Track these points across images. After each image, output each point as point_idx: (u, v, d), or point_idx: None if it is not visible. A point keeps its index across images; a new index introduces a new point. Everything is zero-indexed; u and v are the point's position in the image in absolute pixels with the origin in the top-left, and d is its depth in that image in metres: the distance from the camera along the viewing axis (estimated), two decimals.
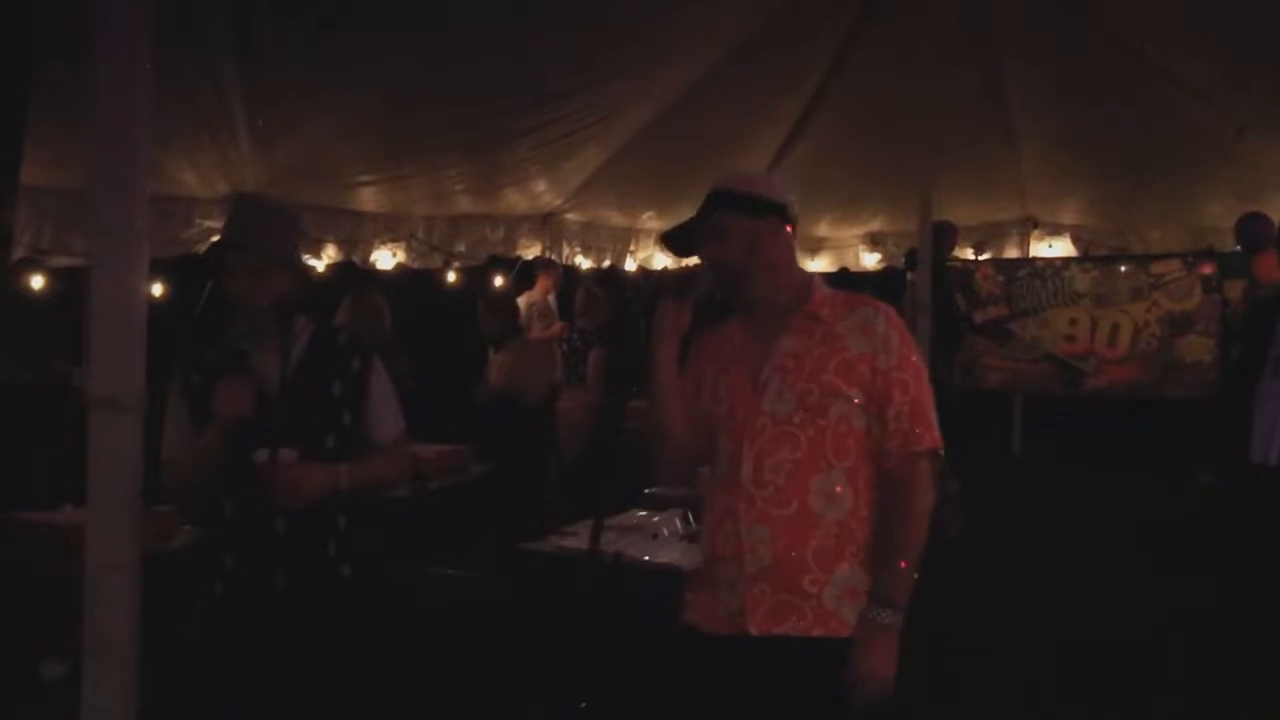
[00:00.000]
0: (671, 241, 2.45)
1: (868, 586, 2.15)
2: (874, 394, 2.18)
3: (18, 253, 3.82)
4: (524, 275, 7.20)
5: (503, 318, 5.86)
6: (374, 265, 5.73)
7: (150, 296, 2.36)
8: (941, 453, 2.23)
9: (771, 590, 2.15)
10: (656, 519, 4.01)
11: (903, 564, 2.16)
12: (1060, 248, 8.52)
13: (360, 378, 2.57)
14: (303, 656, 2.41)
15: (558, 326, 7.18)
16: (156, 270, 4.01)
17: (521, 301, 7.06)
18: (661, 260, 8.01)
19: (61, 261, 4.20)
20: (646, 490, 4.32)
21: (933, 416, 2.22)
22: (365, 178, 5.31)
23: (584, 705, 2.57)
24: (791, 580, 2.14)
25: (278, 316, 2.46)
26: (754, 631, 2.14)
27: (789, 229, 2.35)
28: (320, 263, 5.39)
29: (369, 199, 5.49)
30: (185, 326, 3.59)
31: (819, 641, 2.13)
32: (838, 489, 2.17)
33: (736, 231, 2.28)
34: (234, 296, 2.44)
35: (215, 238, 4.74)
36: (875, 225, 9.00)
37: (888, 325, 2.22)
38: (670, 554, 3.63)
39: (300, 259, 2.66)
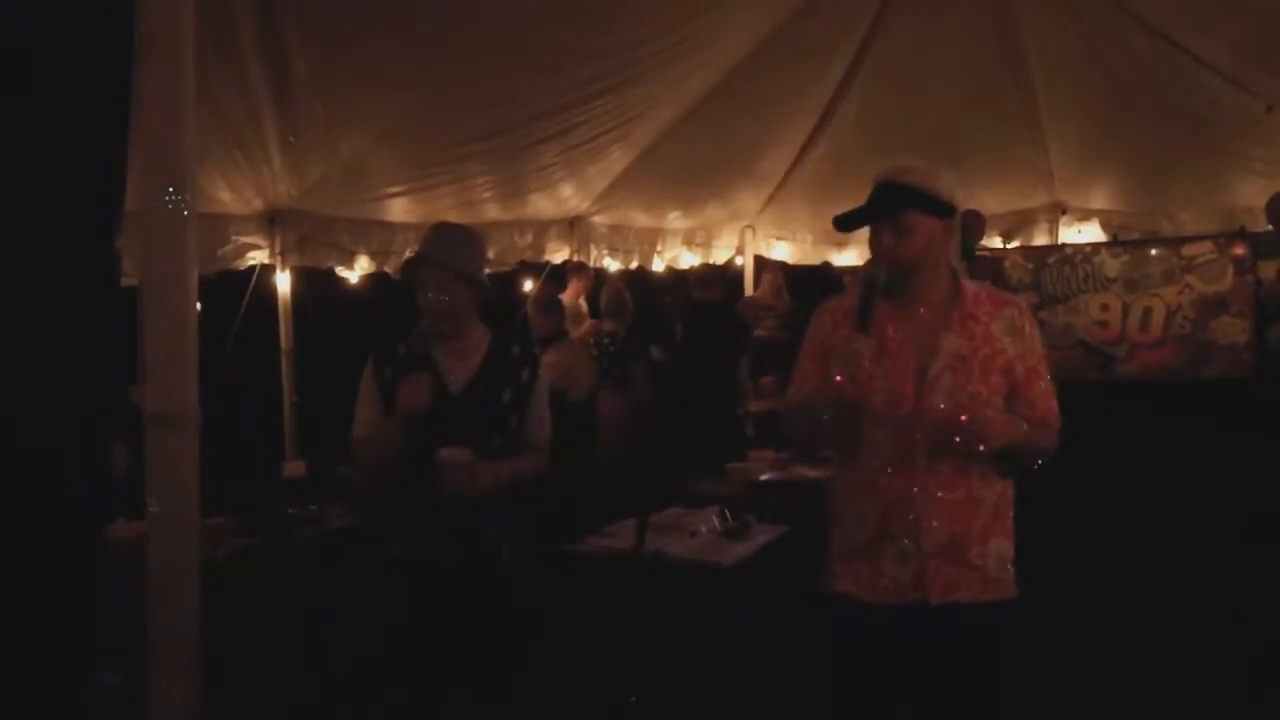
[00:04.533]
0: (842, 223, 2.53)
1: (1012, 555, 2.51)
2: (1019, 386, 2.46)
3: None
4: (554, 279, 7.25)
5: (553, 318, 6.06)
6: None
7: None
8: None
9: (947, 564, 2.42)
10: (694, 517, 4.05)
11: (1047, 443, 2.51)
12: (1090, 233, 8.44)
13: (527, 387, 2.96)
14: (461, 631, 2.76)
15: (587, 325, 7.24)
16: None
17: None
18: (689, 259, 8.04)
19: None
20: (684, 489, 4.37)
21: (1053, 397, 2.51)
22: (395, 189, 5.37)
23: (634, 699, 2.67)
24: (962, 555, 2.42)
25: (460, 325, 2.87)
26: (935, 601, 2.41)
27: (955, 227, 2.49)
28: (354, 274, 5.46)
29: (399, 210, 5.56)
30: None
31: (987, 605, 2.43)
32: (991, 473, 2.46)
33: (920, 230, 2.40)
34: (423, 306, 2.83)
35: (254, 254, 4.84)
36: None
37: (1028, 323, 2.50)
38: (708, 551, 3.68)
39: (484, 276, 2.96)
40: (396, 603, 2.82)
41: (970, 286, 2.48)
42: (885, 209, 2.41)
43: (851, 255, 8.83)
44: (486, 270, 3.07)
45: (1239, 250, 7.17)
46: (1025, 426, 2.43)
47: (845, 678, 2.54)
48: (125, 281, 2.35)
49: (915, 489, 2.41)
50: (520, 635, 2.92)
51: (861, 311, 2.35)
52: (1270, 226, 6.89)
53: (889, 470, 2.43)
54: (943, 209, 2.40)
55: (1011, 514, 2.54)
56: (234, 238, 4.76)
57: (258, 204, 4.83)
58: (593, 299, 7.65)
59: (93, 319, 2.07)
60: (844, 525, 2.54)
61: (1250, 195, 7.47)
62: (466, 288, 2.84)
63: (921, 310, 2.44)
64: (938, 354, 2.40)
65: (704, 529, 3.90)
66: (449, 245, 2.89)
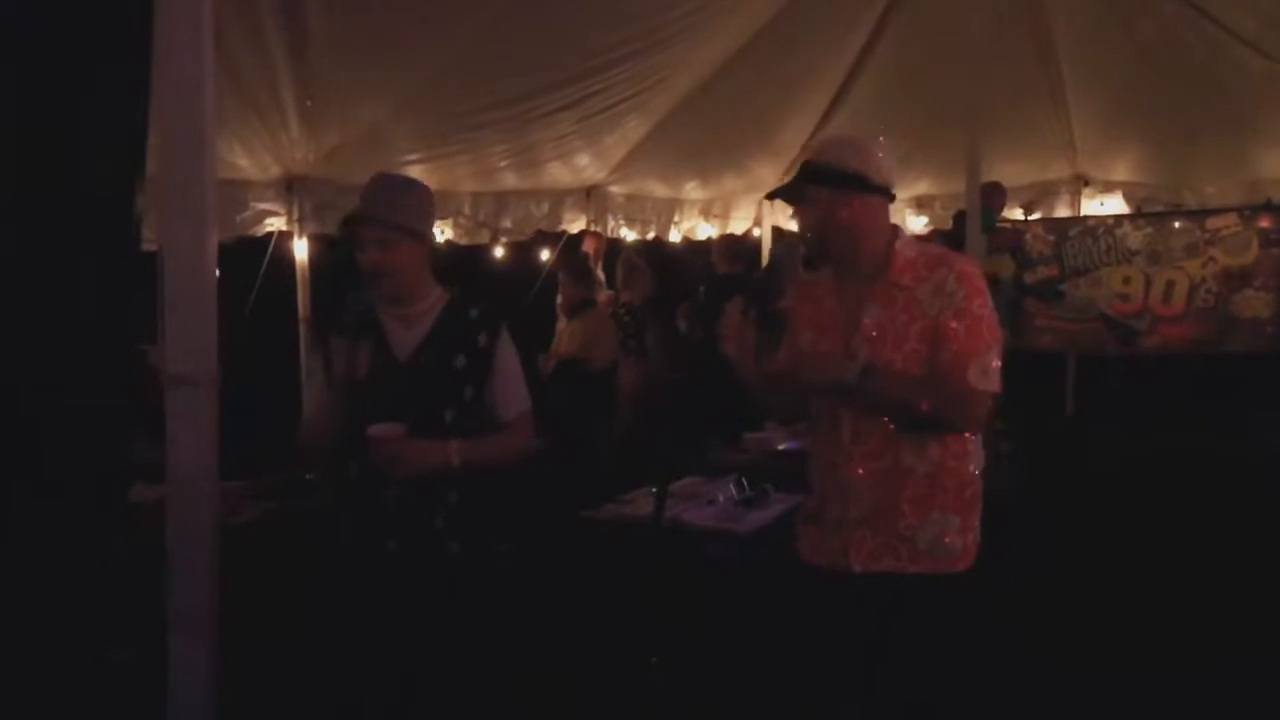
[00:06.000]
0: (771, 196, 2.67)
1: (958, 528, 2.42)
2: (934, 345, 2.37)
3: None
4: (569, 249, 7.23)
5: (584, 286, 6.08)
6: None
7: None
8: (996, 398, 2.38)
9: (872, 534, 2.42)
10: (710, 485, 4.06)
11: (921, 399, 2.34)
12: (1112, 205, 8.35)
13: (486, 353, 2.62)
14: (410, 620, 2.54)
15: (605, 296, 7.23)
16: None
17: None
18: (706, 230, 8.00)
19: None
20: (701, 457, 4.37)
21: (984, 363, 2.36)
22: (412, 156, 5.35)
23: (655, 660, 2.69)
24: (889, 525, 2.41)
25: (408, 287, 2.59)
26: (857, 569, 2.43)
27: (872, 197, 2.46)
28: None
29: (417, 177, 5.53)
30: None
31: (916, 577, 2.40)
32: (926, 444, 2.40)
33: (815, 201, 2.47)
34: (364, 266, 2.55)
35: (271, 220, 4.84)
36: (922, 188, 8.88)
37: (957, 282, 2.38)
38: (726, 519, 3.68)
39: (430, 231, 2.68)
40: (353, 576, 2.58)
41: (908, 253, 2.46)
42: (792, 182, 2.52)
43: None
44: (434, 224, 2.77)
45: (1264, 223, 7.09)
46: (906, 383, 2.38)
47: (799, 637, 2.61)
48: (145, 246, 2.34)
49: (842, 458, 2.46)
50: (468, 640, 2.62)
51: (764, 286, 2.45)
52: None
53: (825, 439, 2.51)
54: (836, 177, 2.44)
55: (968, 489, 2.46)
56: (252, 204, 4.76)
57: (275, 170, 4.83)
58: (607, 270, 7.63)
59: (116, 280, 2.07)
60: (808, 491, 2.63)
61: (1276, 167, 7.38)
62: (411, 244, 2.56)
63: (850, 283, 2.50)
64: (858, 326, 2.44)
65: (721, 497, 3.90)
66: (389, 198, 2.59)
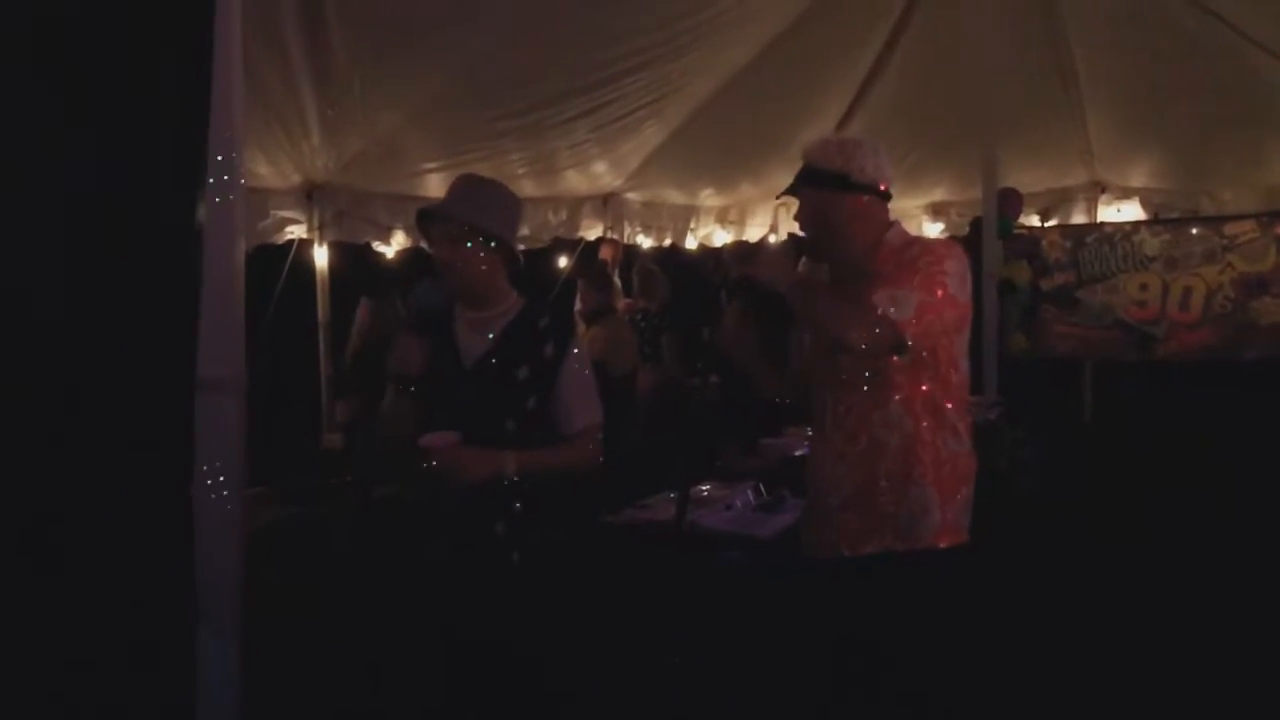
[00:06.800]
0: (784, 197, 2.71)
1: (936, 503, 2.42)
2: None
3: None
4: (588, 256, 7.27)
5: (604, 293, 6.10)
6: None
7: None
8: (902, 332, 2.31)
9: (858, 517, 2.47)
10: (728, 490, 4.07)
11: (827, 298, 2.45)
12: (1129, 212, 8.34)
13: (552, 364, 2.54)
14: (459, 628, 2.55)
15: (624, 304, 7.26)
16: None
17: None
18: (722, 237, 8.03)
19: None
20: (719, 463, 4.38)
21: (898, 296, 2.31)
22: (431, 164, 5.40)
23: (677, 660, 2.71)
24: (871, 505, 2.45)
25: (481, 292, 2.55)
26: (846, 553, 2.47)
27: (857, 196, 2.48)
28: (390, 249, 5.50)
29: (436, 185, 5.59)
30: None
31: (901, 555, 2.42)
32: (900, 417, 2.43)
33: (810, 202, 2.56)
34: (439, 265, 2.52)
35: (291, 227, 4.89)
36: (938, 195, 8.90)
37: (919, 249, 2.43)
38: (746, 524, 3.69)
39: (508, 236, 2.58)
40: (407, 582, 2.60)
41: (894, 244, 2.50)
42: (791, 185, 2.59)
43: None
44: (518, 232, 2.70)
45: None
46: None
47: (798, 630, 2.69)
48: None
49: (826, 447, 2.55)
50: (525, 661, 2.55)
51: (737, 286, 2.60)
52: None
53: (815, 433, 2.62)
54: (821, 178, 2.51)
55: (946, 465, 2.44)
56: (273, 212, 4.82)
57: (296, 178, 4.88)
58: (626, 275, 7.66)
59: (180, 292, 2.11)
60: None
61: None
62: (486, 248, 2.50)
63: (844, 279, 2.56)
64: None
65: (739, 503, 3.91)
66: (466, 198, 2.54)
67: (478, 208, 2.52)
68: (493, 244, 2.52)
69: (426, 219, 2.57)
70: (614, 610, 3.29)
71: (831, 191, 2.51)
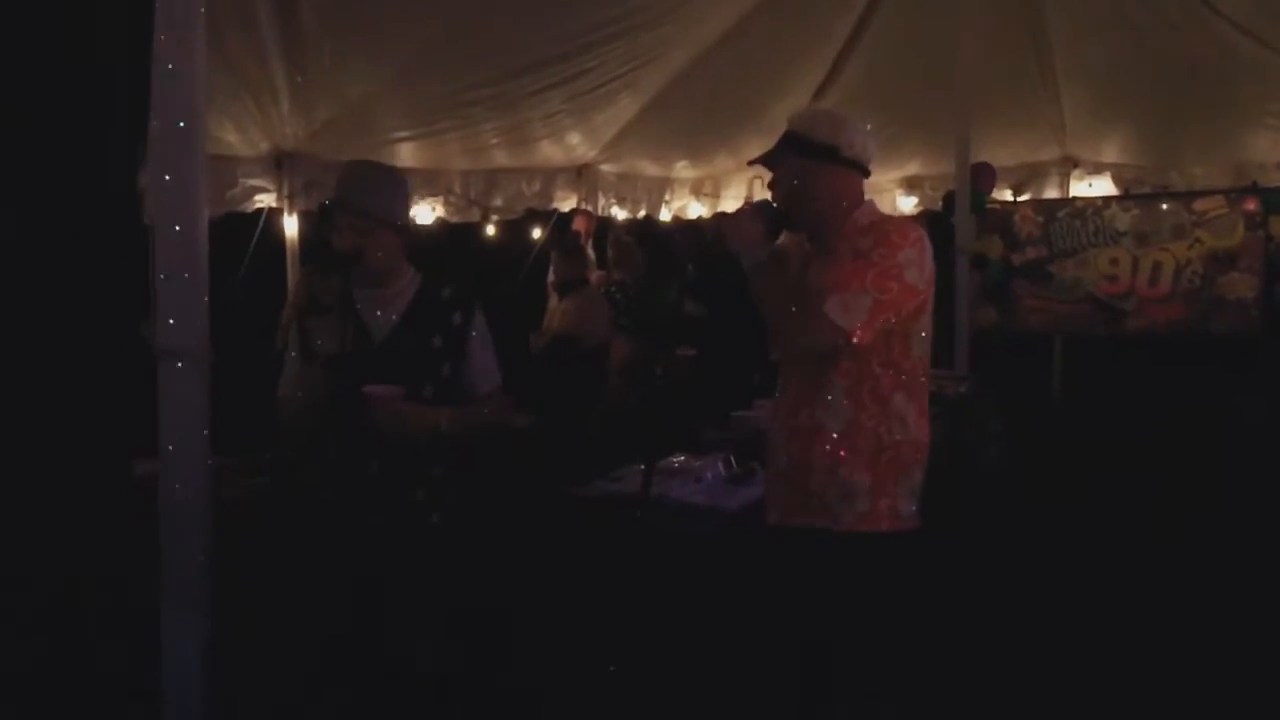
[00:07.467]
0: (759, 163, 2.69)
1: (867, 489, 2.44)
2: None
3: None
4: (560, 227, 7.24)
5: (577, 264, 6.09)
6: (413, 220, 5.78)
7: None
8: (850, 339, 2.35)
9: (786, 488, 2.55)
10: (699, 463, 4.08)
11: (789, 305, 2.41)
12: (1101, 187, 8.40)
13: (460, 331, 2.72)
14: (388, 591, 2.62)
15: (596, 275, 7.24)
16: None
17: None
18: (697, 209, 8.01)
19: None
20: (690, 435, 4.40)
21: (849, 300, 2.33)
22: (403, 134, 5.34)
23: (612, 669, 2.77)
24: (801, 480, 2.49)
25: (383, 272, 2.68)
26: (772, 521, 2.58)
27: (842, 169, 2.47)
28: None
29: (407, 155, 5.54)
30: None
31: (823, 532, 2.46)
32: (841, 402, 2.44)
33: (788, 169, 2.57)
34: (342, 251, 2.63)
35: (260, 196, 4.83)
36: (912, 169, 8.91)
37: (876, 234, 2.43)
38: (714, 496, 3.71)
39: (407, 217, 2.79)
40: (334, 549, 2.64)
41: (861, 221, 2.52)
42: (771, 151, 2.61)
43: None
44: (410, 210, 2.87)
45: (1250, 206, 7.10)
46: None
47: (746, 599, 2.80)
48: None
49: (775, 414, 2.64)
50: (446, 612, 2.71)
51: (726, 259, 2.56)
52: None
53: (773, 404, 2.69)
54: (809, 149, 2.52)
55: (886, 452, 2.45)
56: (241, 180, 4.75)
57: (264, 146, 4.81)
58: (599, 247, 7.64)
59: (119, 255, 2.09)
60: None
61: (1263, 150, 7.42)
62: (387, 230, 2.66)
63: (815, 249, 2.61)
64: None
65: (710, 475, 3.93)
66: (366, 188, 2.68)
67: (380, 195, 2.67)
68: (394, 227, 2.68)
69: (330, 210, 2.69)
70: (575, 583, 3.31)
71: (819, 163, 2.52)
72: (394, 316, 2.68)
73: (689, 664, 3.14)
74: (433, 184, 5.84)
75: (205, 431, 2.30)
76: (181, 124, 2.17)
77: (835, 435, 2.44)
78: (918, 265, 2.40)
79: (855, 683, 2.50)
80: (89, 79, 2.04)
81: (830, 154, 2.51)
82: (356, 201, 2.63)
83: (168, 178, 2.21)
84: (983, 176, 7.26)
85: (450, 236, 6.47)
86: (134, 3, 2.04)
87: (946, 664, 3.47)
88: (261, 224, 5.00)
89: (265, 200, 4.90)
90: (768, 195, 2.67)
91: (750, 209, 2.62)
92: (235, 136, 4.59)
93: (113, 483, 2.12)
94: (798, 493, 2.51)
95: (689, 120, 6.78)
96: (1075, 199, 8.05)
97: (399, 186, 2.78)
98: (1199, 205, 7.28)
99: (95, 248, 2.06)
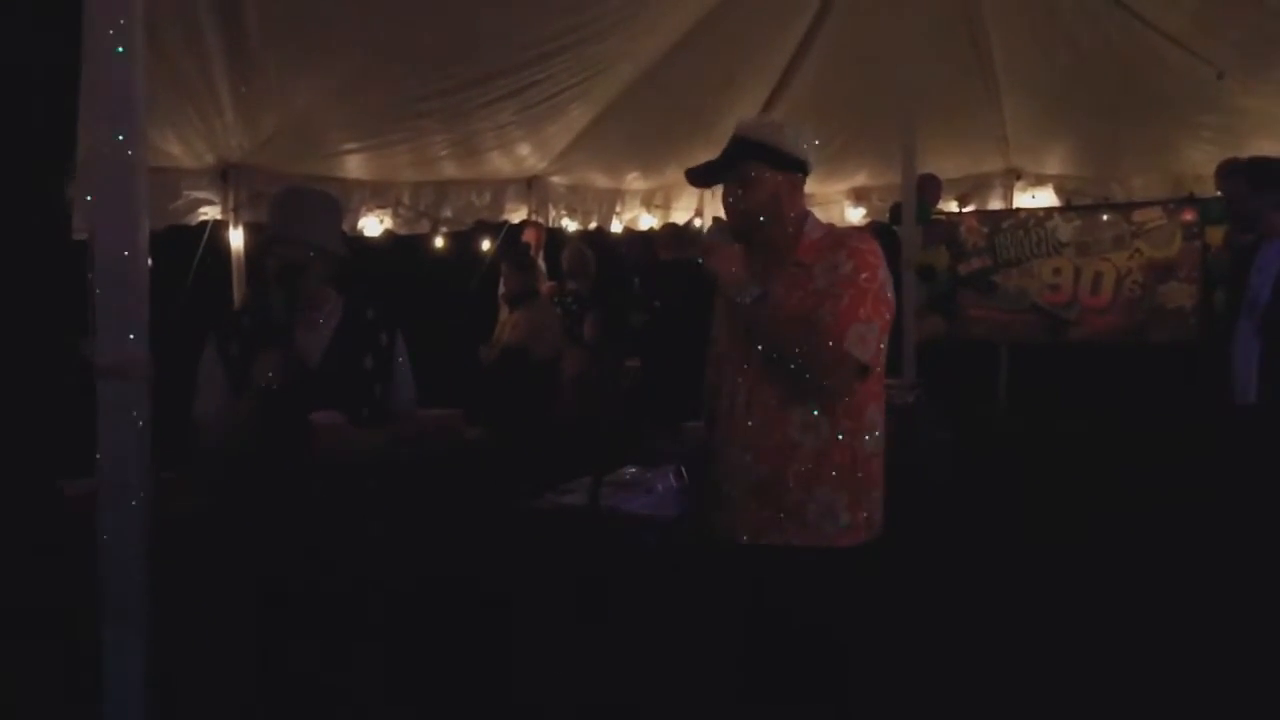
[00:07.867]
0: (694, 176, 2.61)
1: (846, 504, 2.42)
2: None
3: None
4: (511, 239, 7.21)
5: (527, 276, 6.06)
6: (361, 232, 5.73)
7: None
8: (872, 369, 2.39)
9: (758, 507, 2.46)
10: (650, 474, 4.08)
11: (797, 344, 2.35)
12: (1044, 198, 8.57)
13: (388, 352, 2.79)
14: (337, 606, 2.63)
15: (548, 286, 7.22)
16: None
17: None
18: (648, 220, 8.03)
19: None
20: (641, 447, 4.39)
21: (862, 332, 2.33)
22: (350, 145, 5.30)
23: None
24: (775, 499, 2.43)
25: (314, 295, 2.70)
26: (744, 541, 2.48)
27: (801, 180, 2.54)
28: None
29: (355, 166, 5.49)
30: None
31: (799, 550, 2.43)
32: (815, 418, 2.41)
33: (764, 183, 2.47)
34: (275, 277, 2.63)
35: (205, 208, 4.75)
36: (860, 180, 9.02)
37: (848, 257, 2.39)
38: (664, 507, 3.71)
39: (340, 243, 2.79)
40: (277, 572, 2.64)
41: (813, 235, 2.50)
42: (730, 162, 2.50)
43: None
44: (341, 236, 2.86)
45: (1188, 216, 7.30)
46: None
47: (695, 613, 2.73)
48: (76, 235, 2.30)
49: (735, 435, 2.51)
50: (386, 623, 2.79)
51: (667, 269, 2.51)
52: (1219, 193, 7.02)
53: (722, 419, 2.57)
54: (787, 162, 2.48)
55: (861, 467, 2.45)
56: (185, 192, 4.67)
57: (209, 158, 4.74)
58: (550, 258, 7.63)
59: (45, 269, 2.04)
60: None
61: (1200, 162, 7.60)
62: (320, 259, 2.67)
63: (761, 260, 2.52)
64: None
65: (661, 486, 3.92)
66: (303, 216, 2.69)
67: (317, 225, 2.69)
68: (328, 254, 2.69)
69: (270, 240, 2.69)
70: (523, 594, 3.30)
71: (793, 175, 2.50)
72: (322, 340, 2.71)
73: (648, 680, 3.13)
74: (381, 196, 5.80)
75: (145, 450, 2.26)
76: (121, 136, 2.14)
77: (813, 453, 2.42)
78: (888, 280, 2.43)
79: (855, 685, 2.53)
80: (7, 85, 1.99)
81: (802, 167, 2.50)
82: (293, 232, 2.65)
83: (107, 190, 2.17)
84: (929, 188, 7.37)
85: (399, 248, 6.43)
86: (57, 5, 2.01)
87: (917, 667, 3.51)
88: (206, 237, 4.92)
89: (210, 213, 4.83)
90: (721, 209, 2.62)
91: (729, 246, 2.53)
92: (178, 148, 4.52)
93: (38, 502, 2.07)
94: (771, 511, 2.45)
95: (640, 132, 6.80)
96: (1019, 210, 8.21)
97: (333, 213, 2.83)
98: (1138, 216, 7.46)
99: (16, 262, 2.01)
